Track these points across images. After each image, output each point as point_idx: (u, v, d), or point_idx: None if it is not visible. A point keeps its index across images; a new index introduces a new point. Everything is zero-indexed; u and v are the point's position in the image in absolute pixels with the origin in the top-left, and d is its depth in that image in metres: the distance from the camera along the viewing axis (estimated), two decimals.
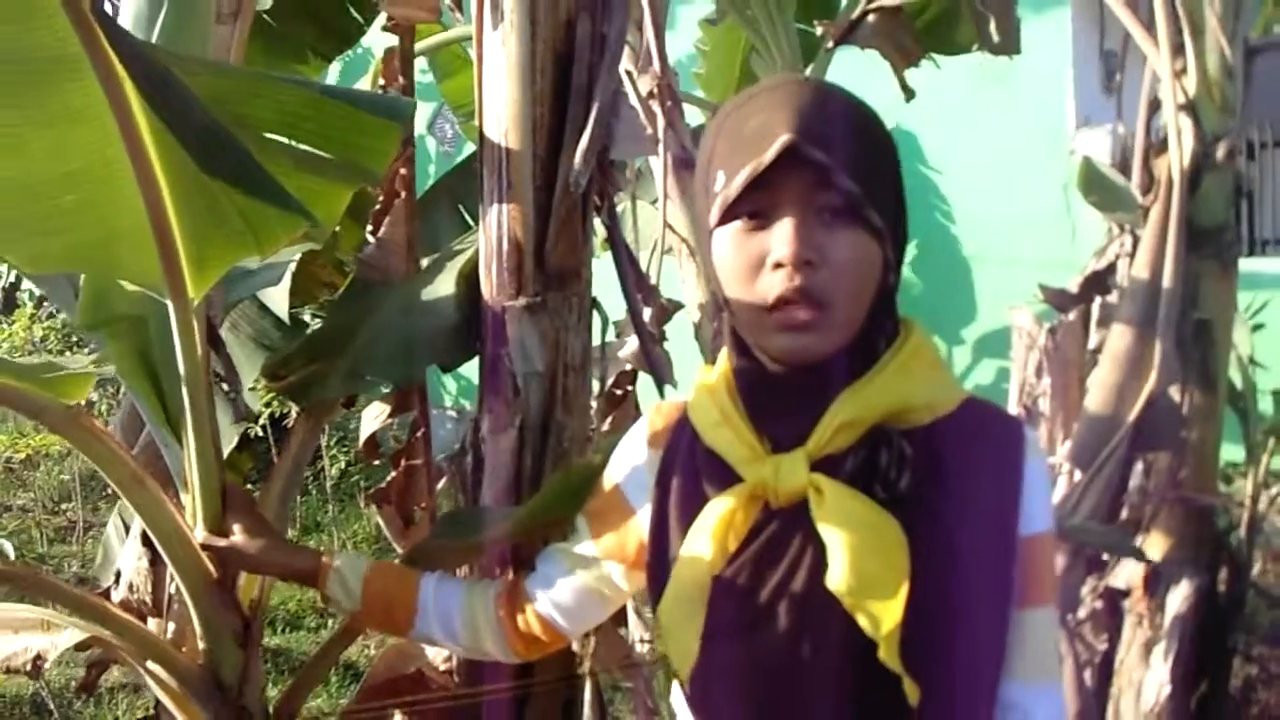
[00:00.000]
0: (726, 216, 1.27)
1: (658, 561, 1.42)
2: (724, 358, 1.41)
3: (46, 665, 2.15)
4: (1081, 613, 3.55)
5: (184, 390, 1.81)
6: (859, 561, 1.23)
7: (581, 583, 1.58)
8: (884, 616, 1.22)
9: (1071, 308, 4.02)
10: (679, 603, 1.35)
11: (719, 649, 1.33)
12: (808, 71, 4.31)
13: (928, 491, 1.29)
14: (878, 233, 1.25)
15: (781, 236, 1.23)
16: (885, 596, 1.22)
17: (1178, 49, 3.66)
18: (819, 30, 4.26)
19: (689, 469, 1.41)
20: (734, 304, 1.30)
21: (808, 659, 1.29)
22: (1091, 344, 3.92)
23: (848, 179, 1.22)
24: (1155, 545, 3.56)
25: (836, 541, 1.24)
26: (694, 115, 4.39)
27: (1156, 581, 3.49)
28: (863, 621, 1.23)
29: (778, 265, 1.23)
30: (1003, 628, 1.29)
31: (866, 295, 1.28)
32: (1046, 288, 4.10)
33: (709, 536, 1.32)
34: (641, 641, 3.46)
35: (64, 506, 7.25)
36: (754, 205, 1.25)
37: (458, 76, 4.32)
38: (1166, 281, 3.59)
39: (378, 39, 2.60)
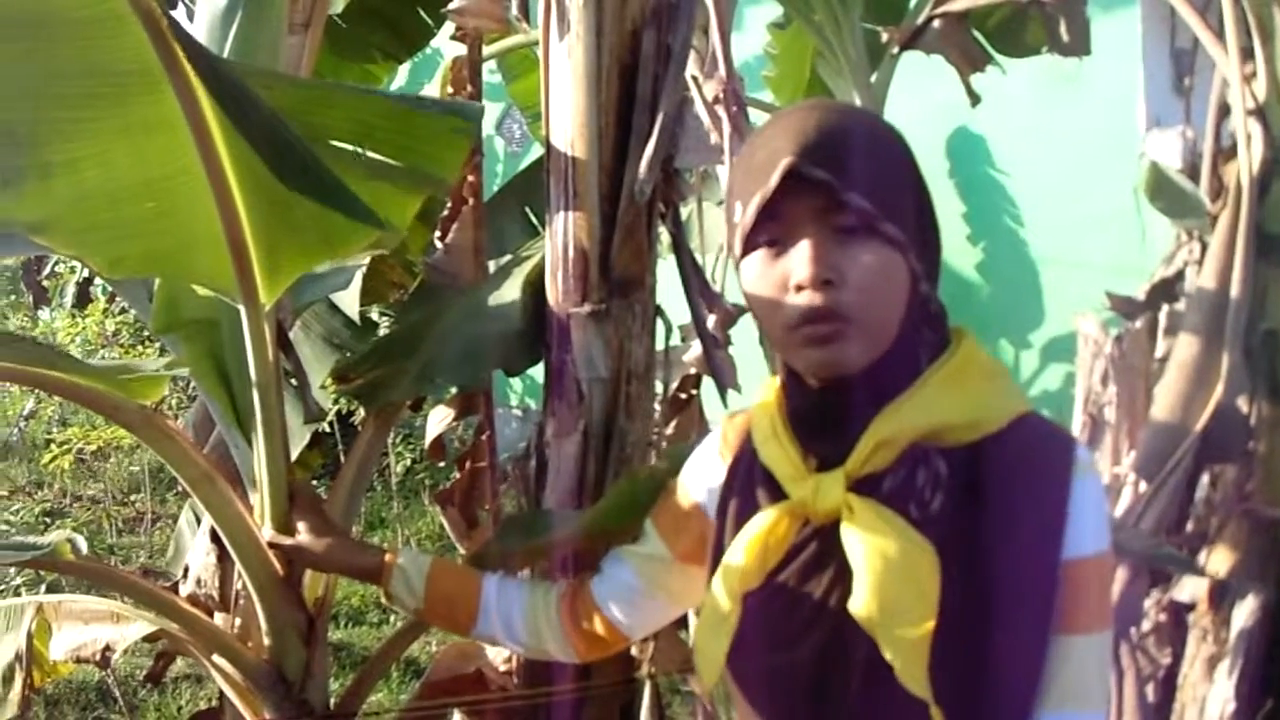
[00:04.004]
0: (747, 246, 1.29)
1: (715, 570, 1.43)
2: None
3: (115, 656, 2.19)
4: (1145, 626, 3.50)
5: (254, 392, 1.85)
6: (883, 587, 1.23)
7: (650, 584, 1.60)
8: (906, 643, 1.21)
9: (1138, 315, 3.96)
10: (711, 615, 1.36)
11: (747, 663, 1.34)
12: (873, 77, 4.29)
13: (967, 513, 1.27)
14: (899, 245, 1.25)
15: (799, 259, 1.24)
16: (909, 624, 1.21)
17: (1247, 53, 3.60)
18: (884, 36, 4.25)
19: (748, 481, 1.42)
20: (765, 328, 1.32)
21: (835, 678, 1.29)
22: (1158, 352, 3.87)
23: (857, 195, 1.22)
24: (1221, 558, 3.51)
25: (861, 565, 1.24)
26: (761, 119, 4.39)
27: (1222, 596, 3.44)
28: (883, 646, 1.22)
29: (799, 287, 1.24)
30: (1038, 655, 1.26)
31: (894, 307, 1.27)
32: (1114, 295, 4.05)
33: (744, 551, 1.33)
34: None
35: (133, 498, 7.34)
36: (770, 232, 1.26)
37: (526, 78, 4.33)
38: (1235, 290, 3.54)
39: (447, 41, 2.62)
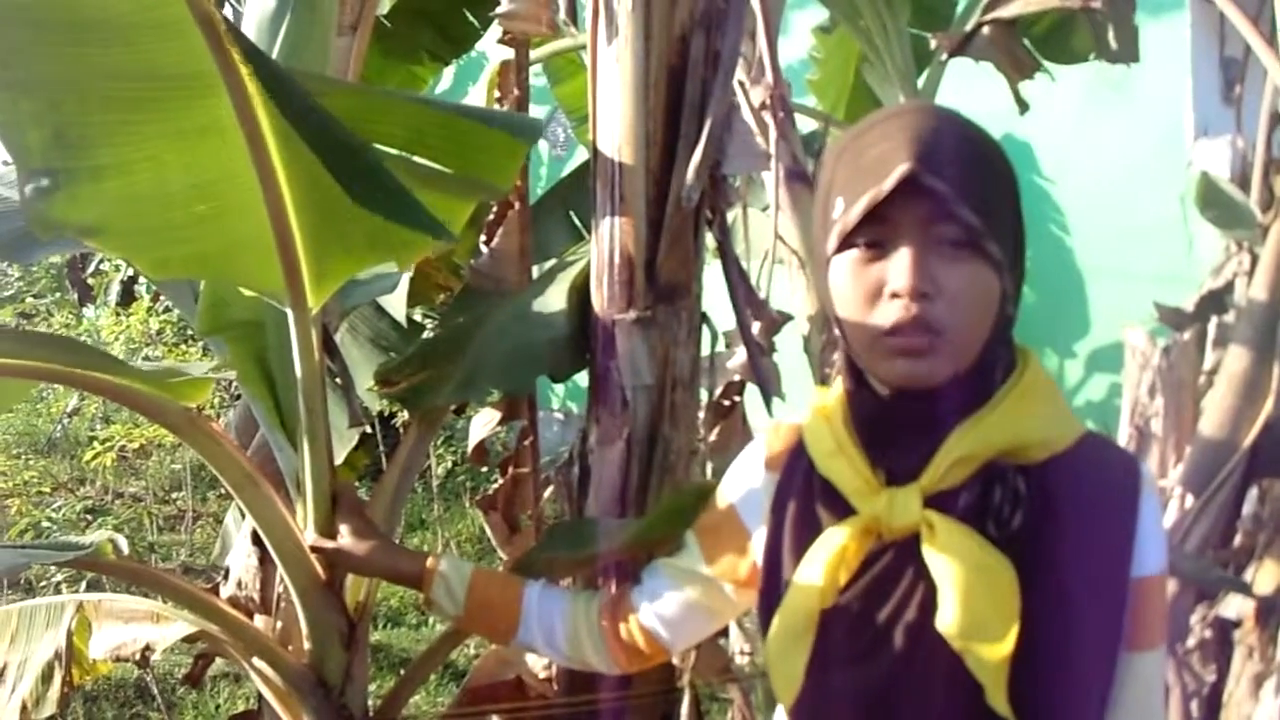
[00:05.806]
0: (844, 244, 1.26)
1: (770, 585, 1.41)
2: (839, 384, 1.40)
3: (155, 656, 2.19)
4: (1190, 642, 3.46)
5: (299, 395, 1.84)
6: (969, 603, 1.22)
7: (688, 598, 1.58)
8: (992, 659, 1.21)
9: (1187, 327, 3.91)
10: (786, 633, 1.34)
11: (825, 681, 1.32)
12: (920, 81, 4.26)
13: (1041, 531, 1.26)
14: (996, 264, 1.23)
15: (899, 267, 1.22)
16: (994, 639, 1.21)
17: None
18: (933, 42, 4.21)
19: (804, 495, 1.40)
20: (849, 330, 1.29)
21: (914, 695, 1.28)
22: (1207, 365, 3.81)
23: (967, 210, 1.20)
24: (1269, 575, 3.45)
25: (947, 581, 1.23)
26: (806, 124, 4.36)
27: (1269, 613, 3.39)
28: (971, 663, 1.22)
29: (894, 295, 1.22)
30: (1111, 671, 1.27)
31: (983, 326, 1.25)
32: (1162, 306, 4.00)
33: (821, 568, 1.31)
34: (742, 653, 3.44)
35: (174, 496, 7.36)
36: (872, 234, 1.24)
37: (571, 81, 4.32)
38: None
39: (493, 44, 2.61)
